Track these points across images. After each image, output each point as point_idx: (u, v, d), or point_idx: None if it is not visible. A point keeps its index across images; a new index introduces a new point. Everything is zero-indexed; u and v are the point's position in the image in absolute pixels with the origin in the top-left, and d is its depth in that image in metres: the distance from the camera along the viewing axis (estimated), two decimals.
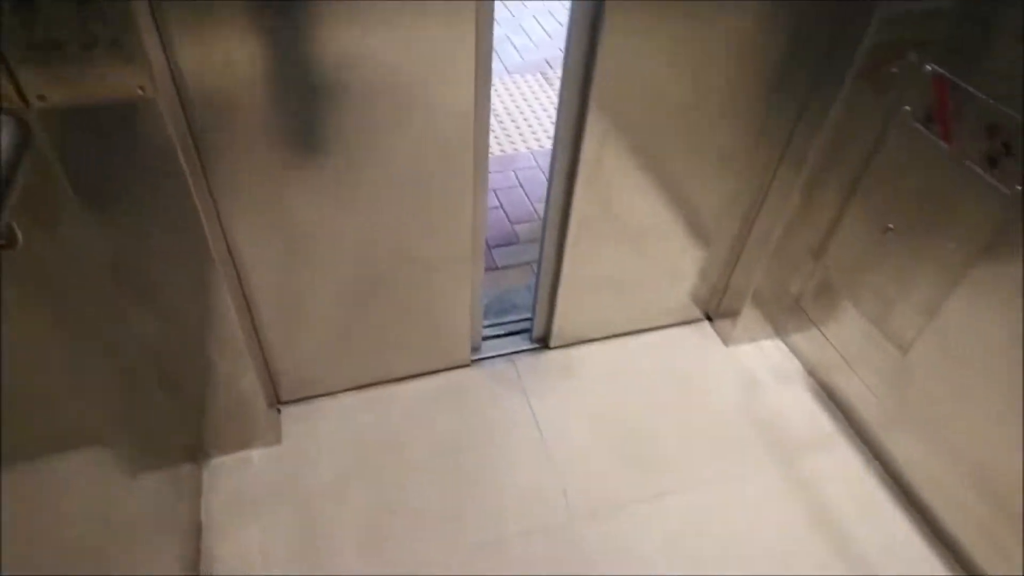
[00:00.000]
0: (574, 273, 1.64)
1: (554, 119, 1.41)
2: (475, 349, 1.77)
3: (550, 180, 1.50)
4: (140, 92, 0.91)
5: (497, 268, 2.10)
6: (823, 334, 1.72)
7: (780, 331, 1.90)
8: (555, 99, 2.82)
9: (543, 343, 1.83)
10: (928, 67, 1.30)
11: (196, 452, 1.47)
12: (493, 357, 1.80)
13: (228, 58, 1.02)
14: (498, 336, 1.85)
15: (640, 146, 1.43)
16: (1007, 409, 1.26)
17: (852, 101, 1.37)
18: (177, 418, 1.38)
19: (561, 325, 1.78)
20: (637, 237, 1.63)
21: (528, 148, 2.66)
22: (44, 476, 0.86)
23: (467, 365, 1.77)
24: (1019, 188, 1.16)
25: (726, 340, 1.88)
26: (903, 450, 1.54)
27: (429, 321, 1.61)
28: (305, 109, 1.13)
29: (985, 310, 1.27)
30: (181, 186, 1.04)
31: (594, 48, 1.24)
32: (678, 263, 1.76)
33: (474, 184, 1.37)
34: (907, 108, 1.36)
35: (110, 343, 1.14)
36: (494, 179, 2.43)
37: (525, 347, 1.83)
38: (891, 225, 1.44)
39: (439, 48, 1.13)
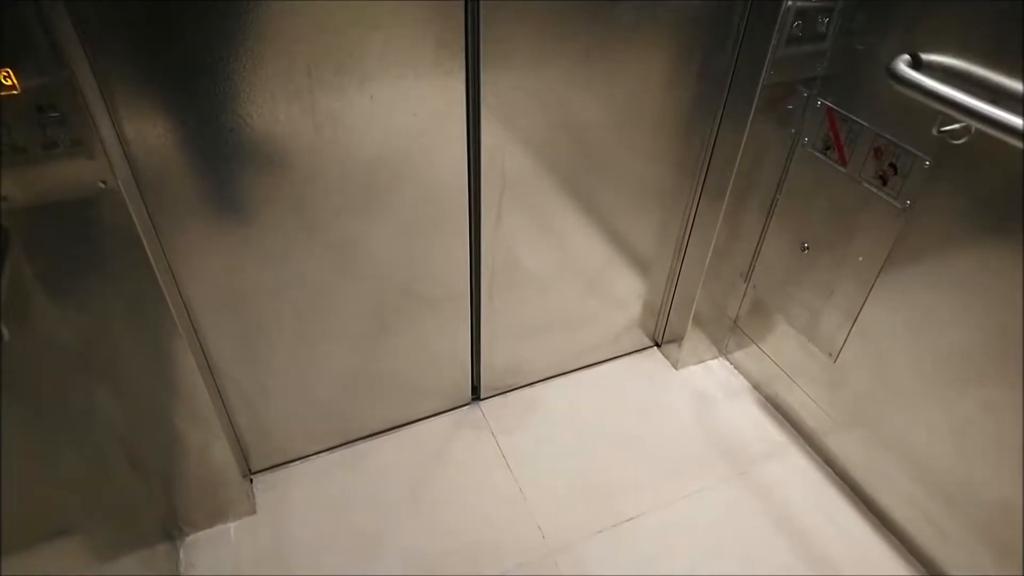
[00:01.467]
0: (497, 323, 1.70)
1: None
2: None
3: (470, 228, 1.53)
4: (102, 186, 0.97)
5: None
6: (762, 350, 1.84)
7: (723, 350, 2.02)
8: None
9: (476, 394, 1.87)
10: (819, 101, 1.46)
11: (171, 530, 1.47)
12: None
13: (186, 138, 1.09)
14: None
15: (554, 185, 1.51)
16: (931, 400, 1.38)
17: (758, 135, 1.52)
18: (149, 497, 1.38)
19: (490, 377, 1.83)
20: (570, 276, 1.72)
21: None
22: (14, 571, 0.86)
23: (467, 404, 1.84)
24: (908, 203, 1.31)
25: (675, 364, 1.99)
26: (847, 451, 1.66)
27: (426, 364, 1.68)
28: (254, 182, 1.20)
29: (897, 311, 1.41)
30: (144, 268, 1.09)
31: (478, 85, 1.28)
32: (620, 296, 1.87)
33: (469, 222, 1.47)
34: (806, 139, 1.52)
35: (78, 428, 1.15)
36: None
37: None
38: (806, 244, 1.58)
39: (435, 112, 1.25)
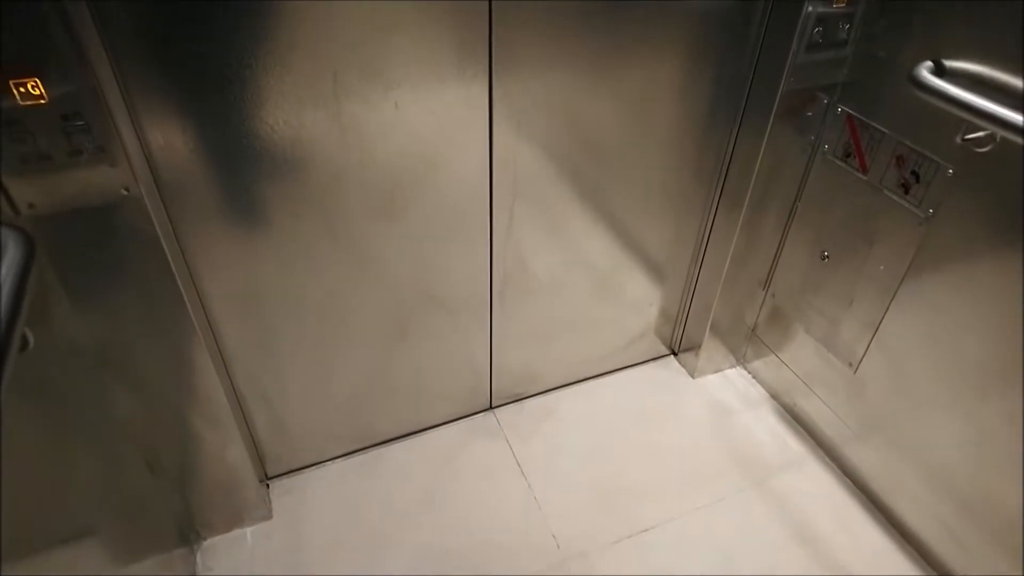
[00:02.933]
0: (509, 329, 1.69)
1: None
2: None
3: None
4: (125, 192, 0.98)
5: None
6: (780, 359, 1.83)
7: (741, 359, 2.00)
8: None
9: (492, 401, 1.86)
10: (840, 108, 1.45)
11: (188, 534, 1.48)
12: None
13: (209, 143, 1.11)
14: None
15: (567, 191, 1.50)
16: (952, 411, 1.36)
17: (777, 142, 1.50)
18: (167, 501, 1.39)
19: (505, 383, 1.83)
20: (584, 282, 1.71)
21: None
22: (32, 572, 0.87)
23: (483, 410, 1.84)
24: (930, 211, 1.30)
25: (692, 372, 1.97)
26: (866, 461, 1.63)
27: (443, 370, 1.68)
28: (277, 187, 1.21)
29: (919, 321, 1.39)
30: (164, 272, 1.10)
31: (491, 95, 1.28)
32: (635, 302, 1.86)
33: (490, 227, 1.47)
34: (826, 146, 1.50)
35: (97, 431, 1.17)
36: None
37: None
38: (826, 252, 1.56)
39: (458, 118, 1.26)
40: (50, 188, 0.94)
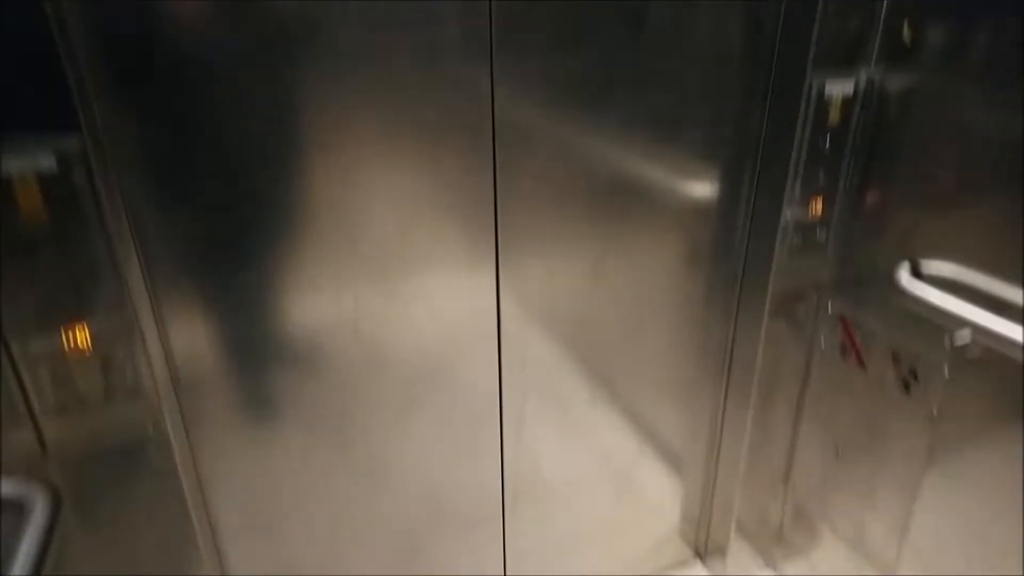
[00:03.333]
0: (523, 543, 1.63)
1: None
2: None
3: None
4: (150, 429, 1.03)
5: None
6: (811, 562, 1.72)
7: (771, 562, 1.88)
8: None
9: None
10: (830, 308, 1.51)
11: None
12: None
13: (234, 367, 1.17)
14: None
15: (578, 389, 1.52)
16: None
17: (774, 338, 1.54)
18: None
19: None
20: (600, 483, 1.68)
21: None
22: None
23: None
24: (935, 409, 1.30)
25: None
26: None
27: None
28: (295, 399, 1.25)
29: (949, 519, 1.33)
30: (179, 506, 1.11)
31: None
32: (657, 504, 1.80)
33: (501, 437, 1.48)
34: (823, 342, 1.55)
35: None
36: None
37: None
38: (840, 448, 1.55)
39: (468, 323, 1.33)
40: (81, 428, 0.99)
